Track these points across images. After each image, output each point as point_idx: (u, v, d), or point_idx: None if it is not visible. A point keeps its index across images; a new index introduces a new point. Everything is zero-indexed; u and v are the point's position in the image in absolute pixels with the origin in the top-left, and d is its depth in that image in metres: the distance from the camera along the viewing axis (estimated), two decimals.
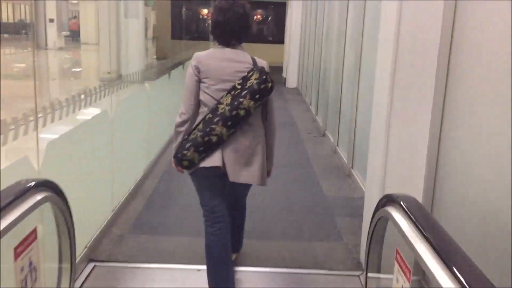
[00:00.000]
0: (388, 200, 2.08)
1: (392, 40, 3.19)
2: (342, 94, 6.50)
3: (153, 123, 5.55)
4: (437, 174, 3.07)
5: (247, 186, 3.00)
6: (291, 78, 13.36)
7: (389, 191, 3.46)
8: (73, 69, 20.04)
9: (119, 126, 4.05)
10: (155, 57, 20.24)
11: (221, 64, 2.65)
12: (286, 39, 14.52)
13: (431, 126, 3.02)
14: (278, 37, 18.27)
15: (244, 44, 2.79)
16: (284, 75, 14.16)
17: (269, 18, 20.56)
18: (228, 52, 2.69)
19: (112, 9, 13.37)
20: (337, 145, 6.55)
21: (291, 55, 13.22)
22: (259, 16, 20.25)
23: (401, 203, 1.98)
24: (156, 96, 5.83)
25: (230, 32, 2.68)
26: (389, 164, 3.36)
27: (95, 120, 3.58)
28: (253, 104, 2.59)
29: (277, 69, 14.74)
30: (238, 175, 2.67)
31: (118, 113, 3.99)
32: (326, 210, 4.51)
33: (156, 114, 5.79)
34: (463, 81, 2.70)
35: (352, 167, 5.52)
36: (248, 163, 2.68)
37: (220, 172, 2.65)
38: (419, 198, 3.17)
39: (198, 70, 2.65)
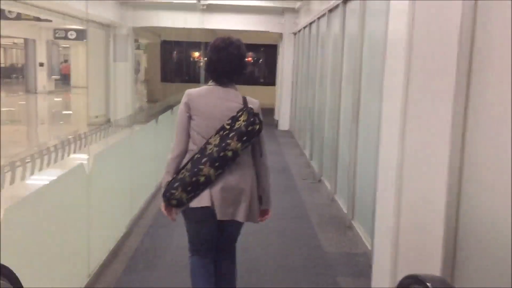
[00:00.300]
0: (412, 281, 1.70)
1: (403, 60, 2.86)
2: (339, 138, 6.17)
3: (138, 173, 5.16)
4: (458, 232, 2.71)
5: (236, 227, 2.86)
6: (283, 120, 13.09)
7: (402, 252, 3.08)
8: (63, 113, 19.73)
9: (97, 181, 3.66)
10: (145, 100, 20.06)
11: (212, 102, 2.68)
12: (278, 81, 14.34)
13: (449, 175, 2.66)
14: (270, 79, 18.15)
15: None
16: (276, 117, 13.90)
17: (260, 60, 20.53)
18: (219, 90, 2.72)
19: (100, 52, 13.21)
20: (335, 193, 6.17)
21: (283, 97, 13.01)
22: (250, 59, 20.22)
23: (429, 286, 1.62)
24: (141, 144, 5.47)
25: (223, 71, 2.70)
26: (402, 220, 2.99)
27: (67, 177, 3.19)
28: (240, 146, 2.60)
29: (269, 111, 14.50)
30: (226, 213, 2.67)
31: (96, 167, 3.61)
32: (326, 268, 4.09)
33: (142, 163, 5.41)
34: (481, 131, 2.37)
35: (352, 218, 5.13)
36: (235, 202, 2.68)
37: (209, 212, 2.65)
38: (438, 262, 2.79)
39: (188, 107, 2.69)
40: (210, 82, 2.76)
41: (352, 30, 5.59)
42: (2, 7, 11.43)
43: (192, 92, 2.73)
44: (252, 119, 2.60)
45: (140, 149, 5.34)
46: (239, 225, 2.84)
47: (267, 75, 19.61)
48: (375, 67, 4.57)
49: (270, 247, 4.49)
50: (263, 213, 2.89)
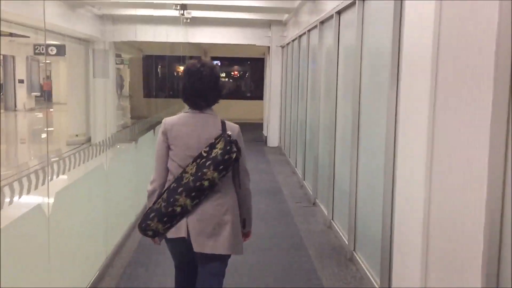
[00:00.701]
0: None
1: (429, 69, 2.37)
2: (335, 156, 5.66)
3: (114, 204, 4.60)
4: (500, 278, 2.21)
5: (220, 262, 2.68)
6: (273, 136, 12.57)
7: None
8: (44, 130, 19.04)
9: (60, 223, 3.11)
10: (129, 116, 19.46)
11: (189, 130, 2.62)
12: (266, 95, 13.85)
13: (488, 202, 2.16)
14: (257, 93, 17.66)
15: (215, 106, 2.72)
16: (265, 133, 13.37)
17: (247, 74, 20.08)
18: (197, 117, 2.65)
19: (80, 68, 12.65)
20: (332, 219, 5.65)
21: (272, 112, 12.51)
22: (236, 73, 19.76)
23: None
24: (118, 170, 4.91)
25: (198, 95, 2.63)
26: (430, 257, 2.49)
27: (21, 222, 2.63)
28: (217, 175, 2.52)
29: (258, 126, 14.01)
30: (203, 245, 2.57)
31: (57, 207, 3.05)
32: None
33: (119, 192, 4.86)
34: None
35: (354, 249, 4.61)
36: (214, 233, 2.57)
37: (185, 243, 2.57)
38: None
39: (166, 136, 2.64)
40: (187, 109, 2.69)
41: (348, 42, 5.12)
42: None
43: (170, 120, 2.66)
44: (228, 147, 2.52)
45: (117, 176, 4.79)
46: (222, 259, 2.67)
47: (254, 89, 19.15)
48: (377, 80, 4.10)
49: None
50: (245, 235, 2.83)
